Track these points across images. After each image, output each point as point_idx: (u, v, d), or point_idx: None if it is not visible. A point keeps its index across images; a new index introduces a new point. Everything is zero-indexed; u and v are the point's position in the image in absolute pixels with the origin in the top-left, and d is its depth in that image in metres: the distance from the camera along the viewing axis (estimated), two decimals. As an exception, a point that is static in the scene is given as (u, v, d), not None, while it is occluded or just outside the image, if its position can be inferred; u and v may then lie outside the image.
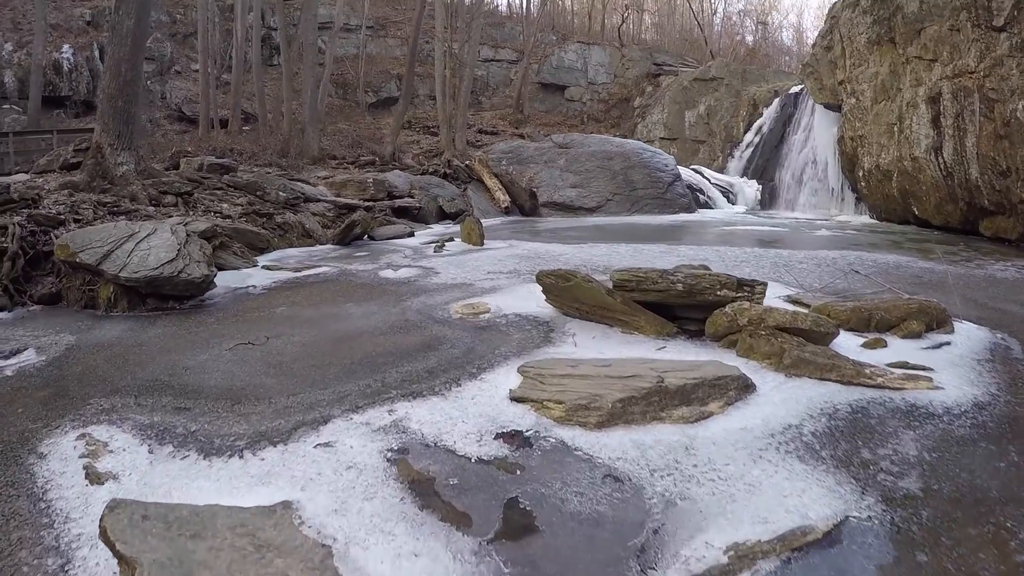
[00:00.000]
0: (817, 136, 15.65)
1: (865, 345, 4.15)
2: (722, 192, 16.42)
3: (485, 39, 25.95)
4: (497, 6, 33.02)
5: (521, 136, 21.22)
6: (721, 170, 18.43)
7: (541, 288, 4.75)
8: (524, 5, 30.71)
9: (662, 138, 21.72)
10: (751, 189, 16.77)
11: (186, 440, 2.91)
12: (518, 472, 2.63)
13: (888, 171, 12.00)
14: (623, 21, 31.49)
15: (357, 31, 26.07)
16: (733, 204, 16.27)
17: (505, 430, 2.96)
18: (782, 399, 3.27)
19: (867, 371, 3.57)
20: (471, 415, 3.12)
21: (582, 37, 29.05)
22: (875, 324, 4.44)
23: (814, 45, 15.71)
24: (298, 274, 6.75)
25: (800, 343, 3.71)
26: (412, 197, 12.65)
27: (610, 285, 4.44)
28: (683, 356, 3.85)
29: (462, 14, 19.76)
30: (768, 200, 16.51)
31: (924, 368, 3.78)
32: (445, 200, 13.01)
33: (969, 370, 3.88)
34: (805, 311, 4.13)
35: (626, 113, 25.44)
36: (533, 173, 14.29)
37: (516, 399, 3.20)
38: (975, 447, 2.92)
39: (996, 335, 4.61)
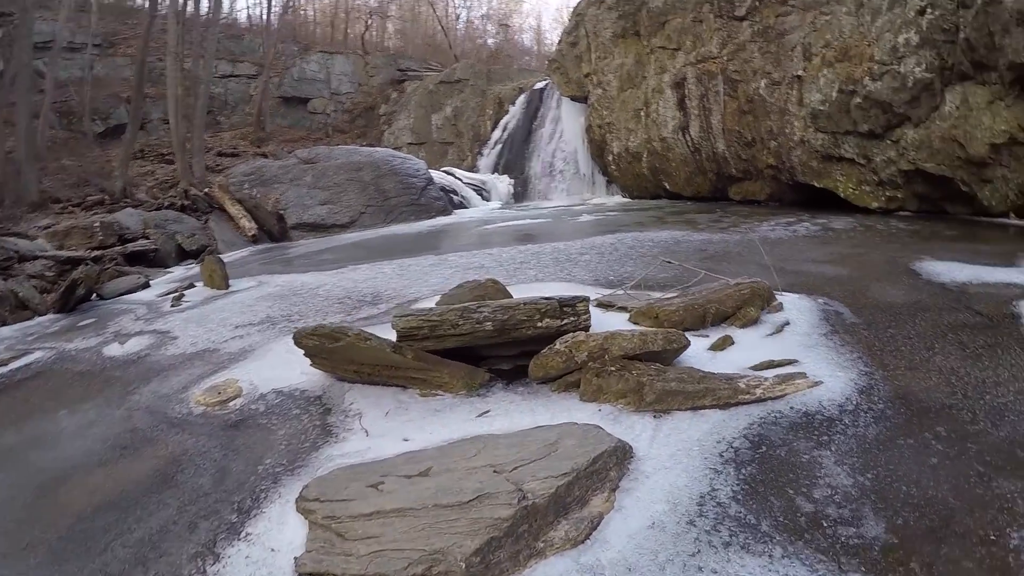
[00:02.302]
0: (565, 127, 15.90)
1: (713, 347, 3.48)
2: (476, 190, 16.04)
3: (222, 53, 22.86)
4: (236, 18, 29.59)
5: (264, 155, 18.84)
6: (472, 169, 18.10)
7: (303, 351, 3.39)
8: (264, 16, 27.76)
9: (410, 143, 20.98)
10: (504, 184, 16.63)
11: None
12: None
13: (637, 153, 12.36)
14: (367, 28, 30.08)
15: (83, 50, 21.09)
16: (488, 201, 15.97)
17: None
18: (670, 456, 2.38)
19: (741, 385, 2.85)
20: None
21: (325, 46, 26.97)
22: (711, 319, 3.81)
23: (560, 42, 15.96)
24: (2, 370, 4.91)
25: (658, 370, 2.87)
26: (148, 238, 10.44)
27: (394, 336, 3.23)
28: (516, 417, 2.82)
29: (196, 27, 16.97)
30: (522, 193, 16.47)
31: (790, 361, 3.20)
32: (184, 237, 10.89)
33: (827, 350, 3.43)
34: (654, 329, 3.32)
35: (372, 122, 24.17)
36: (279, 194, 12.54)
37: (302, 577, 1.85)
38: (896, 448, 2.48)
39: (818, 301, 4.28)
